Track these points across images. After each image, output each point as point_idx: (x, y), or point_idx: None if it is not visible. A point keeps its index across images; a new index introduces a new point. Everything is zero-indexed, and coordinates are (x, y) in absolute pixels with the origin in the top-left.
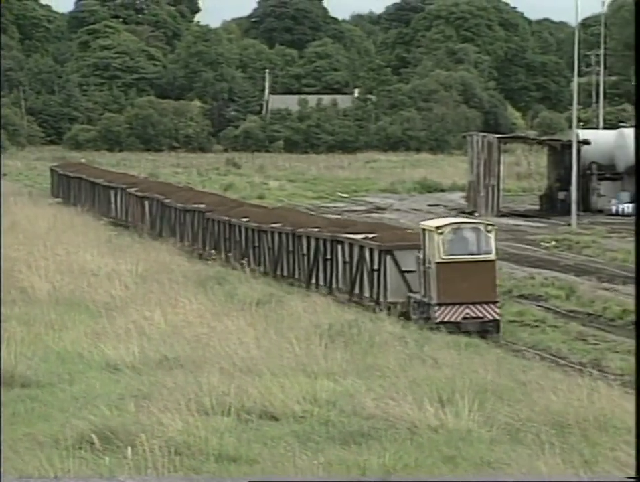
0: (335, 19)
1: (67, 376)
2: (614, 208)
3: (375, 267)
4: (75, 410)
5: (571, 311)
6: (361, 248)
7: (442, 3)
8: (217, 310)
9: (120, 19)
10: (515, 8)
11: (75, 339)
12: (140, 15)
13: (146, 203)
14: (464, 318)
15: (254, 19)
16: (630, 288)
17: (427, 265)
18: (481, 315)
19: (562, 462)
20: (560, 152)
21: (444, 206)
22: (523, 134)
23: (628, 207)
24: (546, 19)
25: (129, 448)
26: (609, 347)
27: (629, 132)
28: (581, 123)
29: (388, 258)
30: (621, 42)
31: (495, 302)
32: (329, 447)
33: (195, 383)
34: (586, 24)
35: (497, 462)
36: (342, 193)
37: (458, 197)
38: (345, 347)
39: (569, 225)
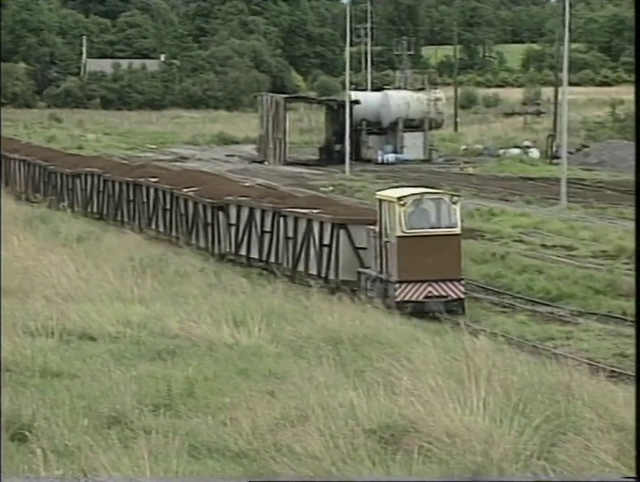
0: None
1: None
2: (380, 158)
3: (326, 242)
4: None
5: None
6: (309, 221)
7: None
8: (42, 246)
9: None
10: None
11: None
12: None
13: None
14: (427, 296)
15: None
16: None
17: (385, 239)
18: (444, 294)
19: (336, 372)
20: (335, 111)
21: (239, 156)
22: (305, 95)
23: (392, 157)
24: None
25: None
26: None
27: (392, 94)
28: (353, 86)
29: (342, 232)
30: (385, 18)
31: (459, 280)
32: (140, 363)
33: (22, 309)
34: (356, 1)
35: (283, 373)
36: (151, 144)
37: (250, 149)
38: (154, 277)
39: (343, 172)
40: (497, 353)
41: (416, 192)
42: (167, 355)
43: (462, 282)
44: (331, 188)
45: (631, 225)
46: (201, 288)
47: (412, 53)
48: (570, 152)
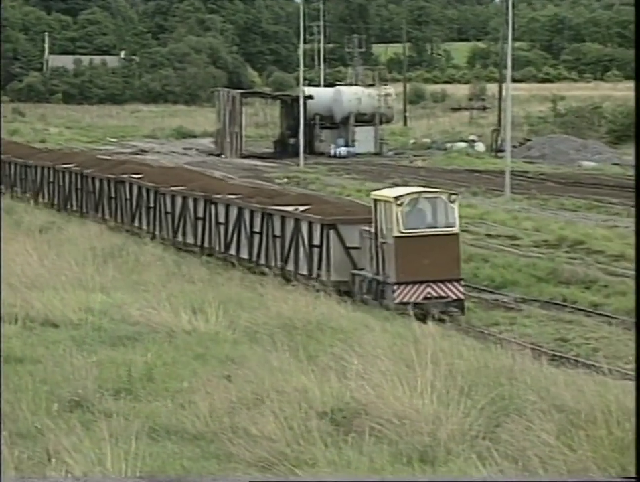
0: None
1: None
2: (332, 151)
3: (316, 243)
4: None
5: None
6: (297, 220)
7: None
8: (5, 236)
9: None
10: None
11: None
12: None
13: None
14: (426, 298)
15: None
16: None
17: (381, 239)
18: (444, 294)
19: (290, 357)
20: (290, 106)
21: (197, 149)
22: (260, 91)
23: (344, 150)
24: None
25: None
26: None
27: (344, 89)
28: (306, 82)
29: (332, 233)
30: (337, 16)
31: (458, 280)
32: (101, 349)
33: None
34: (309, 0)
35: (239, 358)
36: (111, 138)
37: (208, 142)
38: (115, 266)
39: (297, 165)
40: (444, 339)
41: (413, 191)
42: (128, 341)
43: (461, 282)
44: (285, 180)
45: (571, 215)
46: (161, 276)
47: (362, 50)
48: (513, 146)
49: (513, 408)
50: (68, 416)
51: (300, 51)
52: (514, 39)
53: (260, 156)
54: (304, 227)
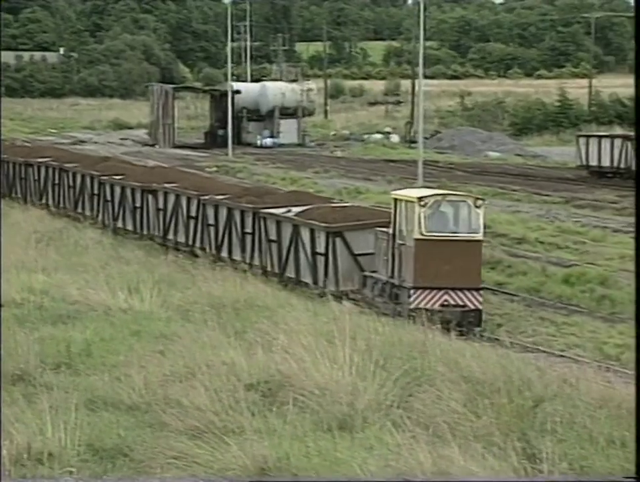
0: None
1: None
2: (259, 142)
3: (322, 251)
4: None
5: None
6: (295, 226)
7: None
8: None
9: None
10: None
11: None
12: None
13: None
14: (443, 305)
15: None
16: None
17: (399, 241)
18: (461, 303)
19: (220, 333)
20: (219, 99)
21: (133, 140)
22: (191, 85)
23: (269, 141)
24: None
25: None
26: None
27: (269, 85)
28: (234, 77)
29: (338, 240)
30: (262, 17)
31: (478, 290)
32: (42, 326)
33: None
34: (236, 1)
35: (172, 334)
36: (52, 129)
37: (142, 133)
38: (56, 249)
39: (226, 155)
40: (360, 316)
41: (438, 193)
42: (67, 319)
43: (481, 292)
44: (215, 168)
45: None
46: (99, 259)
47: (286, 48)
48: (425, 138)
49: (425, 379)
50: (11, 389)
51: (229, 49)
52: (425, 39)
53: (192, 147)
54: (305, 235)
